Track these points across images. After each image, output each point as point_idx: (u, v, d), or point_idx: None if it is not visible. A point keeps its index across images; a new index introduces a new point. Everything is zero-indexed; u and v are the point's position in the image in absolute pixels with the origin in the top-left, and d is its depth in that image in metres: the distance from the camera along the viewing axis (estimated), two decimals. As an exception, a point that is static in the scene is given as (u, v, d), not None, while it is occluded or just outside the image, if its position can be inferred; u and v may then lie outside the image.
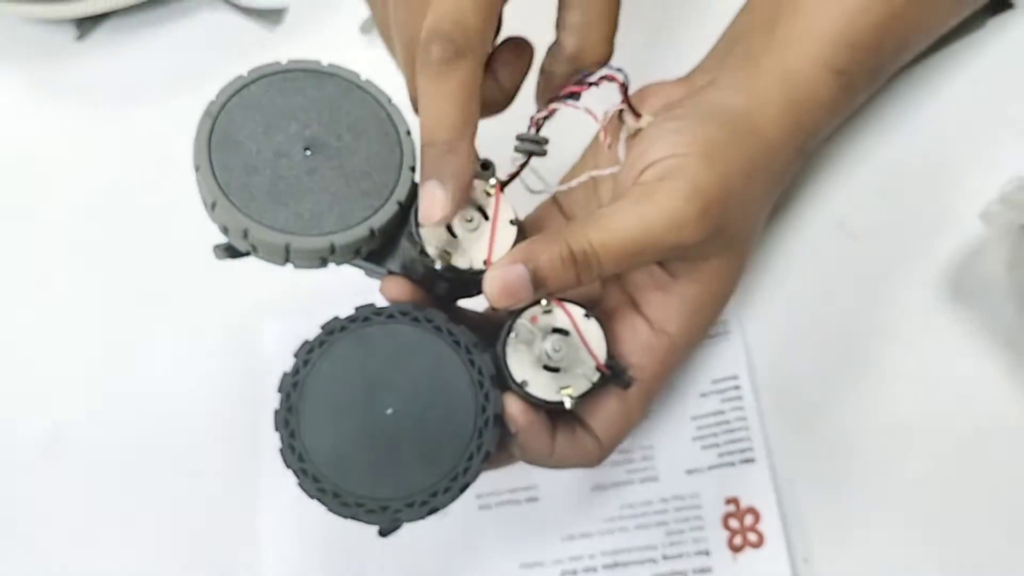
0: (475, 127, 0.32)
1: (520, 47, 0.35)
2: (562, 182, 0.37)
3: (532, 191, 0.36)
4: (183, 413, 0.46)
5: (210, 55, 0.54)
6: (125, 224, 0.51)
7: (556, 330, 0.33)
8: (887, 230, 0.40)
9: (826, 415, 0.38)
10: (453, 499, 0.31)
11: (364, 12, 0.51)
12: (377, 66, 0.46)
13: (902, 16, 0.37)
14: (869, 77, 0.38)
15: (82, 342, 0.48)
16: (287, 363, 0.32)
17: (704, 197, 0.31)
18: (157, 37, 0.55)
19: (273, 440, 0.31)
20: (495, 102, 0.34)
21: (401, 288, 0.34)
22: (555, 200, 0.38)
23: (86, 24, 0.57)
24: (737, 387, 0.39)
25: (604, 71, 0.34)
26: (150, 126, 0.53)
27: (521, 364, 0.32)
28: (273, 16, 0.53)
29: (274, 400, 0.31)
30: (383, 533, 0.33)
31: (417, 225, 0.33)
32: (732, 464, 0.38)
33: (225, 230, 0.33)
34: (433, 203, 0.31)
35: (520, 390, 0.32)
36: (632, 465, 0.39)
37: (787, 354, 0.39)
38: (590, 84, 0.34)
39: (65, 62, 0.57)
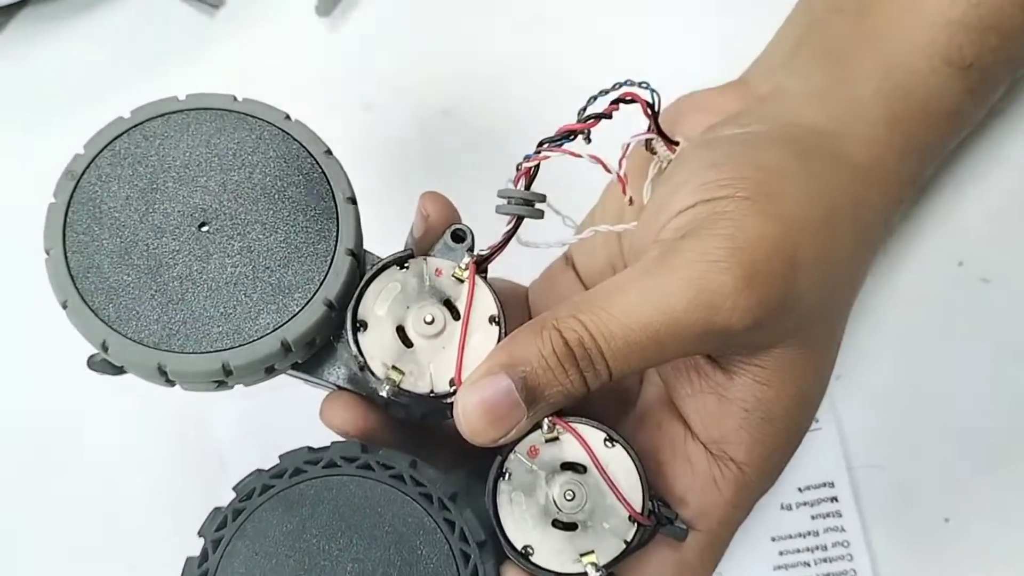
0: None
1: None
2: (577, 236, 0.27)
3: (522, 244, 0.25)
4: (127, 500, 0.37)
5: (142, 47, 0.43)
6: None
7: (567, 466, 0.23)
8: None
9: (958, 536, 0.28)
10: None
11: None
12: (335, 58, 0.36)
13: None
14: (1006, 69, 0.27)
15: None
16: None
17: (750, 258, 0.21)
18: (77, 29, 0.45)
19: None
20: None
21: (347, 412, 0.24)
22: (569, 261, 0.29)
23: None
24: (834, 498, 0.29)
25: (623, 89, 0.24)
26: (73, 133, 0.43)
27: (521, 522, 0.22)
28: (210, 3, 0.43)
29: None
30: None
31: (356, 332, 0.23)
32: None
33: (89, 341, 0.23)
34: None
35: (524, 562, 0.22)
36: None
37: (901, 452, 0.29)
38: (600, 116, 0.23)
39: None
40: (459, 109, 0.37)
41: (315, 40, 0.40)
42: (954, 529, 0.29)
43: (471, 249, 0.24)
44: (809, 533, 0.29)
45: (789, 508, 0.29)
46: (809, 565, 0.29)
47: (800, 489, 0.29)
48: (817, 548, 0.29)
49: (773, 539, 0.29)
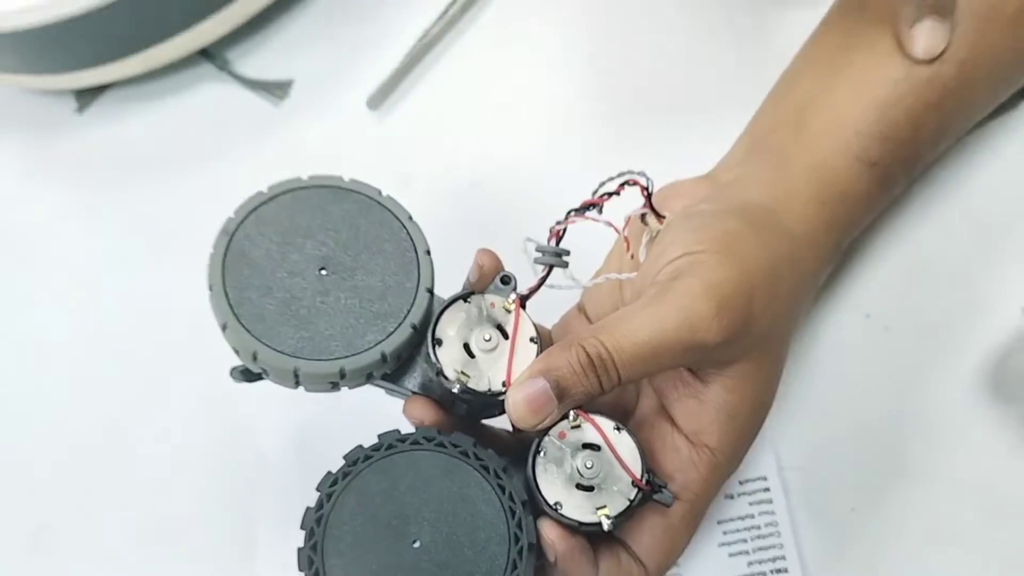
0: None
1: None
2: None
3: (551, 286, 0.34)
4: (176, 504, 0.44)
5: (213, 129, 0.52)
6: (121, 302, 0.49)
7: (586, 446, 0.32)
8: (921, 322, 0.39)
9: (863, 522, 0.37)
10: None
11: (371, 86, 0.50)
12: (383, 143, 0.45)
13: (938, 106, 0.36)
14: (905, 168, 0.37)
15: (76, 424, 0.47)
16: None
17: (720, 293, 0.30)
18: (158, 110, 0.54)
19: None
20: None
21: (424, 410, 0.32)
22: (581, 309, 0.37)
23: (86, 96, 0.56)
24: (767, 489, 0.38)
25: (625, 176, 0.33)
26: (149, 201, 0.52)
27: (553, 485, 0.31)
28: (279, 90, 0.52)
29: (298, 538, 0.30)
30: None
31: (434, 347, 0.32)
32: (763, 574, 0.37)
33: (237, 352, 0.32)
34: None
35: (555, 513, 0.31)
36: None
37: (819, 456, 0.38)
38: (611, 194, 0.33)
39: (64, 134, 0.55)
40: (486, 182, 0.46)
41: (366, 128, 0.49)
42: (859, 517, 0.37)
43: (516, 289, 0.33)
44: (747, 516, 0.37)
45: (732, 497, 0.38)
46: (746, 541, 0.37)
47: (741, 482, 0.38)
48: (753, 528, 0.37)
49: (719, 522, 0.38)
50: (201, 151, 0.52)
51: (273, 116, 0.52)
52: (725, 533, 0.37)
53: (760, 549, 0.37)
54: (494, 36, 0.51)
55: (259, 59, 0.53)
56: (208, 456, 0.44)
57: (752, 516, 0.37)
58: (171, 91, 0.54)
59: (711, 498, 0.33)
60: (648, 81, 0.47)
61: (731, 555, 0.37)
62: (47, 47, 0.52)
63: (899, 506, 0.37)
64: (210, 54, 0.53)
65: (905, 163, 0.37)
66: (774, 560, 0.36)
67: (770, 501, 0.37)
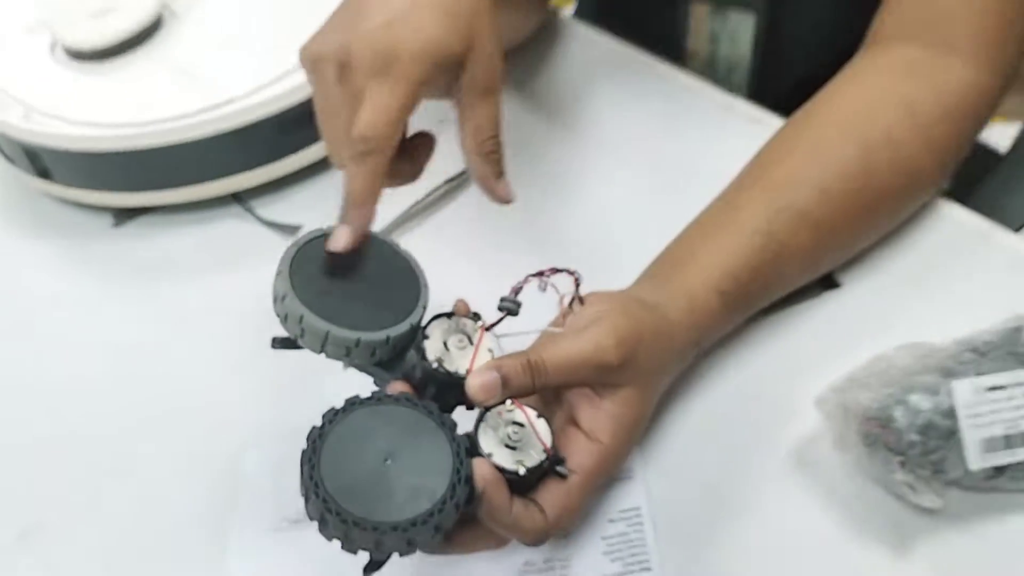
0: (379, 195, 0.46)
1: (426, 139, 0.51)
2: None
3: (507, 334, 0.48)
4: (163, 521, 0.53)
5: (230, 253, 0.66)
6: (140, 374, 0.60)
7: (516, 422, 0.44)
8: (751, 416, 0.54)
9: (706, 542, 0.49)
10: (429, 535, 0.40)
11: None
12: None
13: (761, 269, 0.53)
14: (743, 303, 0.53)
15: (72, 451, 0.56)
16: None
17: (619, 334, 0.45)
18: (187, 233, 0.68)
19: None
20: (408, 174, 0.50)
21: (404, 386, 0.45)
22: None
23: (123, 214, 0.70)
24: (639, 515, 0.49)
25: (565, 269, 0.49)
26: (171, 305, 0.64)
27: (488, 442, 0.43)
28: (289, 228, 0.67)
29: (303, 444, 0.41)
30: (367, 570, 0.41)
31: (424, 338, 0.45)
32: (633, 573, 0.47)
33: (285, 319, 0.44)
34: (339, 237, 0.45)
35: (488, 459, 0.43)
36: (553, 573, 0.48)
37: (677, 494, 0.50)
38: (557, 270, 0.48)
39: (100, 243, 0.68)
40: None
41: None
42: (705, 534, 0.48)
43: (480, 320, 0.47)
44: (624, 534, 0.49)
45: (613, 521, 0.49)
46: (622, 550, 0.48)
47: (620, 511, 0.49)
48: (628, 542, 0.48)
49: (603, 538, 0.49)
50: (219, 271, 0.66)
51: (278, 250, 0.66)
52: (608, 545, 0.48)
53: (632, 554, 0.48)
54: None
55: (277, 205, 0.69)
56: (202, 493, 0.54)
57: (627, 534, 0.49)
58: (200, 220, 0.69)
59: (599, 478, 0.45)
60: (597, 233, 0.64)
61: (611, 560, 0.48)
62: (102, 168, 0.67)
63: (731, 536, 0.49)
64: (239, 197, 0.69)
65: (743, 299, 0.54)
66: (641, 563, 0.47)
67: (641, 523, 0.49)
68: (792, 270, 0.55)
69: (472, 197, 0.67)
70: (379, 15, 0.46)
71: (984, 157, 0.85)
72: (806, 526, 0.49)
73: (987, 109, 0.58)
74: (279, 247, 0.64)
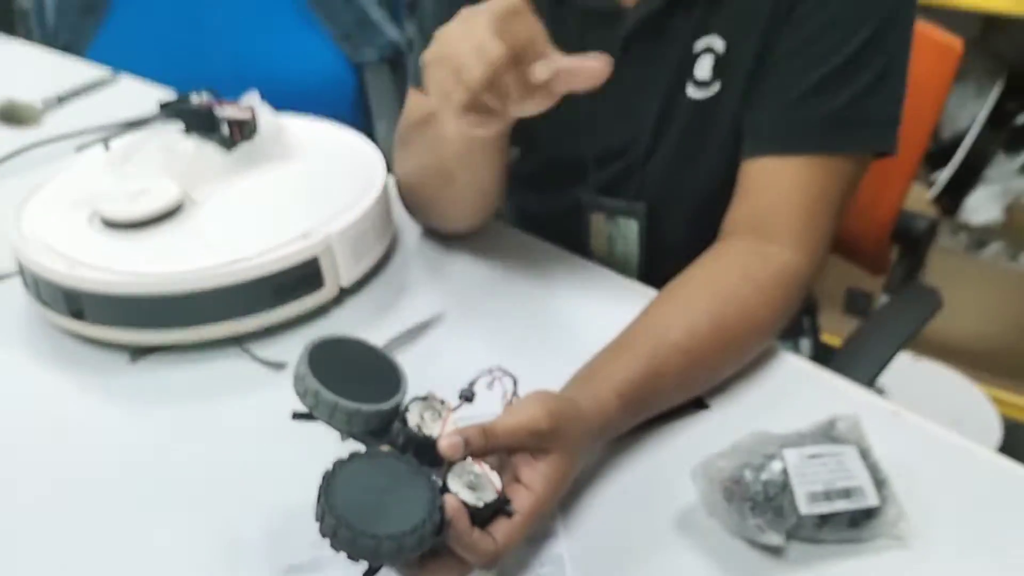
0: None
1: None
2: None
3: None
4: None
5: (230, 385, 0.82)
6: (148, 492, 0.73)
7: (475, 473, 0.60)
8: (647, 490, 0.70)
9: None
10: (414, 544, 0.55)
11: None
12: None
13: (647, 383, 0.72)
14: (635, 407, 0.71)
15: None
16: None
17: (549, 410, 0.62)
18: (193, 369, 0.83)
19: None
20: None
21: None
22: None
23: (139, 351, 0.85)
24: (562, 560, 0.64)
25: (508, 373, 0.67)
26: (181, 426, 0.78)
27: (455, 484, 0.58)
28: (278, 365, 0.83)
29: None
30: (367, 574, 0.55)
31: (404, 412, 0.62)
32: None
33: (304, 394, 0.61)
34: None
35: (454, 495, 0.58)
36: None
37: (591, 547, 0.66)
38: (503, 372, 0.66)
39: (118, 377, 0.83)
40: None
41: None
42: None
43: (447, 403, 0.64)
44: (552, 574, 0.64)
45: (543, 564, 0.64)
46: None
47: (548, 555, 0.64)
48: None
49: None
50: (220, 397, 0.81)
51: (272, 380, 0.82)
52: (537, 581, 0.63)
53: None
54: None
55: (270, 346, 0.85)
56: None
57: (553, 574, 0.64)
58: (205, 358, 0.84)
59: (535, 519, 0.61)
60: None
61: (539, 591, 0.63)
62: (127, 309, 0.83)
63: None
64: (238, 339, 0.85)
65: (637, 404, 0.71)
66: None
67: (564, 567, 0.64)
68: (669, 387, 0.74)
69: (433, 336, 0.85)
70: None
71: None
72: (689, 573, 0.65)
73: (805, 279, 0.81)
74: (271, 380, 0.82)
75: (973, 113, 1.83)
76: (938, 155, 1.86)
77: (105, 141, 1.02)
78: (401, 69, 1.86)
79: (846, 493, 0.63)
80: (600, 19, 0.88)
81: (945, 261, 1.83)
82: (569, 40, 0.86)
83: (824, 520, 0.64)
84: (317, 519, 0.55)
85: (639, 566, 0.65)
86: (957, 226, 1.83)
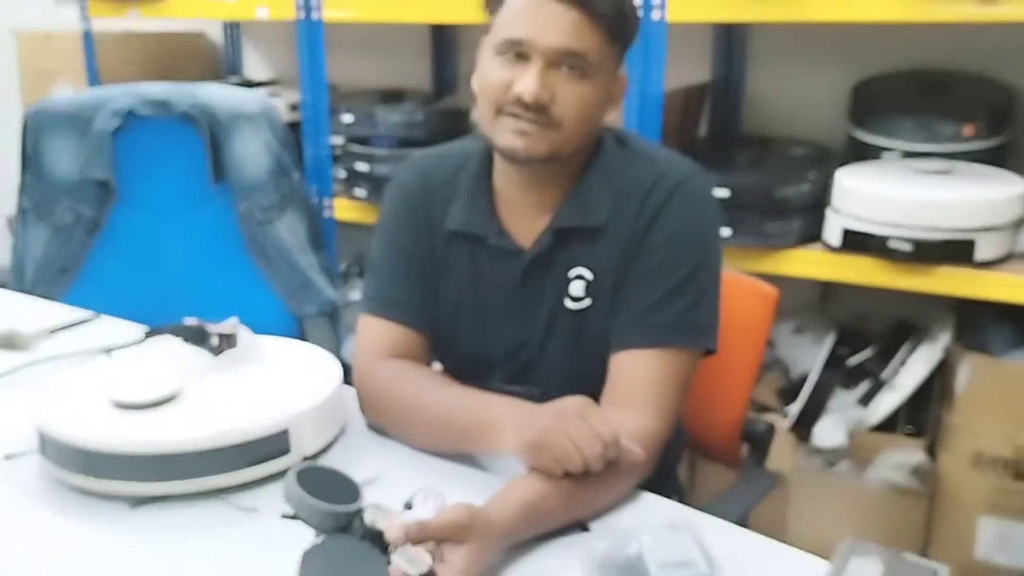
0: None
1: None
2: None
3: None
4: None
5: (214, 527, 1.03)
6: None
7: (413, 555, 0.83)
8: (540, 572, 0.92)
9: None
10: None
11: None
12: None
13: (539, 508, 0.97)
14: (530, 523, 0.96)
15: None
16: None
17: (470, 511, 0.87)
18: (182, 513, 1.04)
19: None
20: None
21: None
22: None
23: (138, 500, 1.05)
24: (482, 626, 0.86)
25: (437, 495, 0.91)
26: (173, 560, 0.98)
27: (397, 558, 0.82)
28: (251, 509, 1.05)
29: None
30: None
31: (363, 513, 0.86)
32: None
33: (290, 499, 0.84)
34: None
35: (398, 566, 0.81)
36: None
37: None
38: (433, 492, 0.91)
39: (118, 524, 1.03)
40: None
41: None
42: None
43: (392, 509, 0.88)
44: None
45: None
46: None
47: None
48: None
49: None
50: (204, 537, 1.02)
51: (246, 522, 1.03)
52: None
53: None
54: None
55: (247, 495, 1.07)
56: None
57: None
58: (193, 505, 1.05)
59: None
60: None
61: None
62: (129, 465, 1.05)
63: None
64: (220, 491, 1.07)
65: (530, 521, 0.96)
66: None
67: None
68: (557, 512, 0.99)
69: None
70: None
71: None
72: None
73: (660, 437, 1.10)
74: (246, 523, 1.03)
75: (814, 358, 2.22)
76: (789, 392, 2.22)
77: (108, 351, 1.27)
78: (336, 321, 2.18)
79: (684, 565, 0.88)
80: (506, 255, 1.21)
81: (803, 479, 2.14)
82: (483, 270, 1.21)
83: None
84: None
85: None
86: (811, 450, 2.14)
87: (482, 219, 1.22)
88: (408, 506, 0.89)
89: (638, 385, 1.13)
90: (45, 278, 2.04)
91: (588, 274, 1.20)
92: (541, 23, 1.08)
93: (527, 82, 1.08)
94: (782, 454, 2.10)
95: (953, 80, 2.18)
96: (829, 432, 2.12)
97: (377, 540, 0.84)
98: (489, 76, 1.13)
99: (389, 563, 0.81)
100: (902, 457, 2.05)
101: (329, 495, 0.86)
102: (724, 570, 0.89)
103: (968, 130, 2.04)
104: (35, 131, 2.04)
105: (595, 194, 1.19)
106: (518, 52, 1.10)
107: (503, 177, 1.22)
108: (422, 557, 0.83)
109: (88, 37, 2.88)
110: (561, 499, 0.99)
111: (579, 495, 1.01)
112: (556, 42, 1.08)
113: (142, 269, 2.07)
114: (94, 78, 2.89)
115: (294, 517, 0.85)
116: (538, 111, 1.10)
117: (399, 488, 0.90)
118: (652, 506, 1.07)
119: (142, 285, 2.05)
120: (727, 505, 1.30)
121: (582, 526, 1.02)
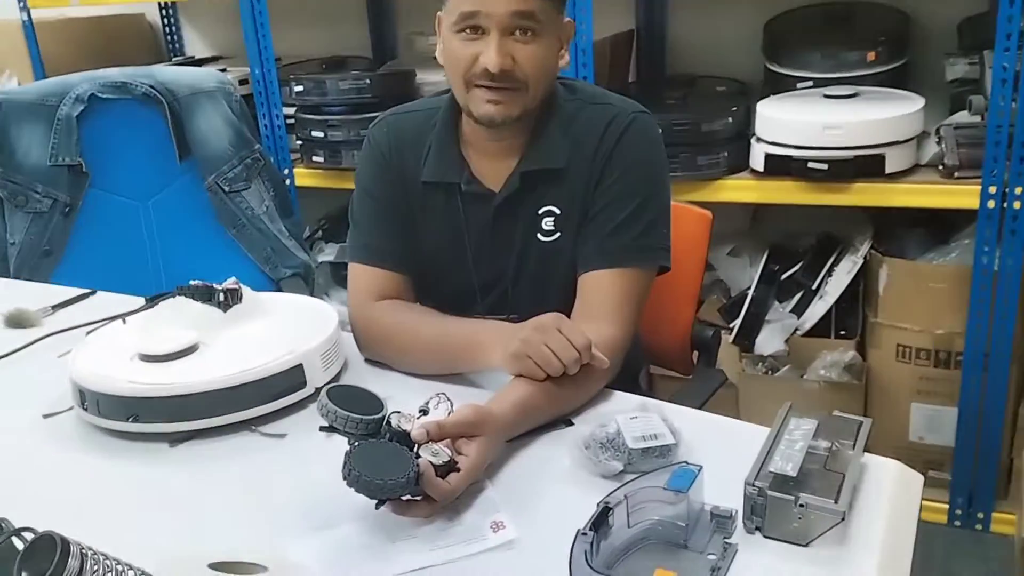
0: None
1: None
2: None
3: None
4: None
5: (245, 456, 1.18)
6: (189, 523, 1.08)
7: (435, 450, 1.00)
8: (537, 460, 1.10)
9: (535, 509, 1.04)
10: (402, 487, 0.94)
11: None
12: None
13: (528, 406, 1.15)
14: (524, 418, 1.13)
15: None
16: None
17: (475, 410, 1.05)
18: (217, 446, 1.19)
19: None
20: None
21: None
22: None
23: (177, 437, 1.20)
24: (491, 498, 1.03)
25: (447, 400, 1.08)
26: (212, 488, 1.14)
27: (423, 453, 0.99)
28: (280, 436, 1.20)
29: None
30: (377, 506, 0.94)
31: (389, 420, 1.02)
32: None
33: (325, 413, 1.00)
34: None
35: (424, 458, 0.98)
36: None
37: (507, 490, 1.05)
38: (443, 396, 1.08)
39: (159, 462, 1.18)
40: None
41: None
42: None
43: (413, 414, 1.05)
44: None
45: (480, 502, 1.03)
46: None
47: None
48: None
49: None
50: (238, 466, 1.17)
51: (273, 447, 1.19)
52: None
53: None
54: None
55: (271, 424, 1.22)
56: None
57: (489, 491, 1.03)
58: (224, 436, 1.20)
59: (472, 475, 1.02)
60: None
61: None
62: (169, 407, 1.20)
63: (536, 523, 1.04)
64: (248, 422, 1.22)
65: (526, 416, 1.13)
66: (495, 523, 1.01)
67: (495, 502, 1.03)
68: (543, 409, 1.17)
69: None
70: None
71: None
72: (566, 498, 1.05)
73: (622, 345, 1.29)
74: (276, 448, 1.19)
75: (750, 276, 2.43)
76: (731, 309, 2.43)
77: (123, 317, 1.40)
78: (311, 280, 2.32)
79: (654, 436, 1.06)
80: (478, 199, 1.38)
81: (750, 385, 2.36)
82: (457, 214, 1.37)
83: (644, 452, 1.06)
84: (343, 475, 0.93)
85: (536, 498, 1.05)
86: (755, 358, 2.36)
87: (454, 168, 1.37)
88: (424, 411, 1.06)
89: (602, 300, 1.30)
90: (28, 263, 2.14)
91: (556, 210, 1.36)
92: None
93: (489, 55, 1.24)
94: (729, 365, 2.32)
95: (856, 10, 2.39)
96: (769, 341, 2.34)
97: (404, 440, 1.01)
98: (453, 53, 1.29)
99: (416, 456, 0.98)
100: (836, 357, 2.28)
101: (358, 407, 1.02)
102: (686, 440, 1.08)
103: (872, 56, 2.24)
104: (2, 122, 2.12)
105: (554, 140, 1.35)
106: (474, 25, 1.25)
107: (469, 127, 1.37)
108: (443, 451, 1.00)
109: (28, 27, 2.92)
110: (546, 398, 1.17)
111: (560, 394, 1.18)
112: (506, 6, 1.23)
113: (121, 247, 2.18)
114: (38, 67, 2.93)
115: (331, 429, 1.01)
116: (504, 78, 1.25)
117: (403, 404, 1.07)
118: (623, 400, 1.25)
119: (123, 262, 2.16)
120: (684, 399, 1.49)
121: (566, 421, 1.20)
